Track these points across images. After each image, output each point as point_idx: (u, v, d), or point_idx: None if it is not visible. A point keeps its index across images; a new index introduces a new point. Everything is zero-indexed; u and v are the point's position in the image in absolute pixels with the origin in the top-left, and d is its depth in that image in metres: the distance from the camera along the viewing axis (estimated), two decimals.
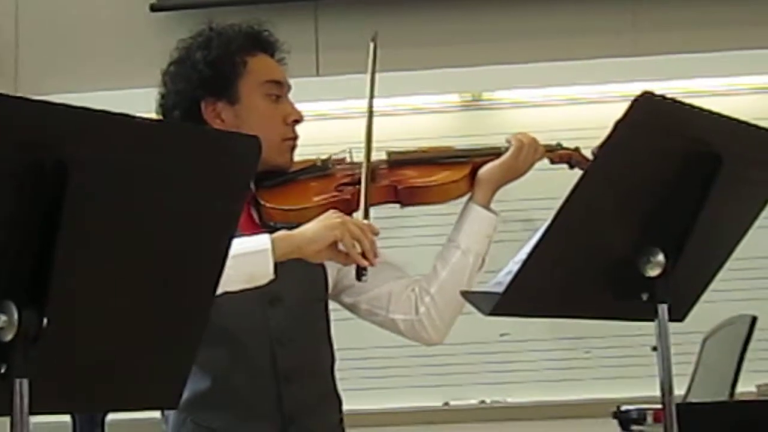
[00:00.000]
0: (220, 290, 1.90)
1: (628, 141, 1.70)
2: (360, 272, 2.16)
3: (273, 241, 2.09)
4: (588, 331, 4.24)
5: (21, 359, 1.38)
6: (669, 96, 1.72)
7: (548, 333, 4.40)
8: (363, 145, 2.34)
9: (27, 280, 1.38)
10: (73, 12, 4.77)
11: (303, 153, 2.38)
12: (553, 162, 2.46)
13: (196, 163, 1.49)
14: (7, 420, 1.40)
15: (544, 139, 2.43)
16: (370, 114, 2.34)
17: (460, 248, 2.34)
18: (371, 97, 2.36)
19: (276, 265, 2.18)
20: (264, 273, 2.08)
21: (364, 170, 2.26)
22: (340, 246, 2.12)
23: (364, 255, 2.12)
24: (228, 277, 1.91)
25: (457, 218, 2.38)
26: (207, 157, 1.50)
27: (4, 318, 1.37)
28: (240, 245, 2.00)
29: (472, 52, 4.62)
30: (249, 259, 2.05)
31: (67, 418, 4.07)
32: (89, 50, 4.69)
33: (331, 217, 2.15)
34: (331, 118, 4.39)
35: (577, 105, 4.57)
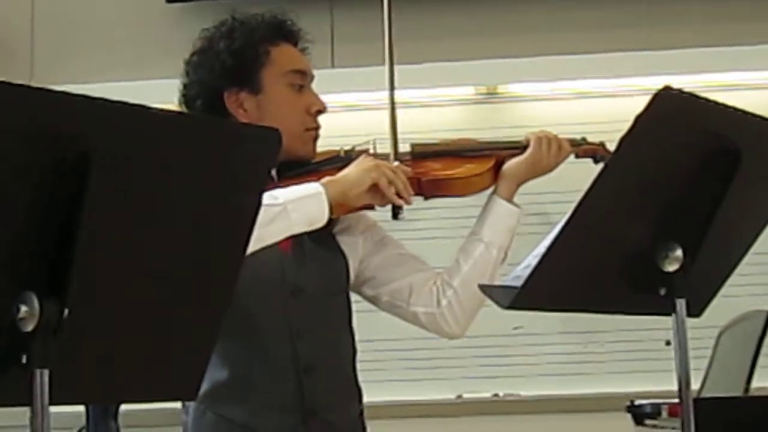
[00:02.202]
0: (285, 234, 2.06)
1: (648, 135, 1.70)
2: (396, 211, 2.26)
3: (324, 186, 2.16)
4: (601, 324, 4.23)
5: (41, 350, 1.38)
6: (686, 90, 1.71)
7: (562, 327, 4.40)
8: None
9: (48, 271, 1.38)
10: (88, 3, 4.77)
11: (319, 144, 2.38)
12: (578, 156, 2.45)
13: (216, 155, 1.49)
14: (27, 410, 1.40)
15: (558, 133, 2.43)
16: (391, 73, 2.43)
17: (484, 241, 2.33)
18: (391, 68, 2.43)
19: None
20: (320, 216, 2.14)
21: (390, 116, 2.37)
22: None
23: (399, 195, 2.22)
24: (292, 221, 2.06)
25: (480, 212, 2.38)
26: (227, 149, 1.50)
27: (25, 309, 1.38)
28: (293, 192, 2.10)
29: (487, 45, 4.62)
30: (307, 201, 2.12)
31: (81, 407, 4.08)
32: (105, 41, 4.70)
33: (366, 161, 2.23)
34: (346, 110, 4.39)
35: (591, 99, 4.57)
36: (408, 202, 2.24)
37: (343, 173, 2.21)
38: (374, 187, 2.20)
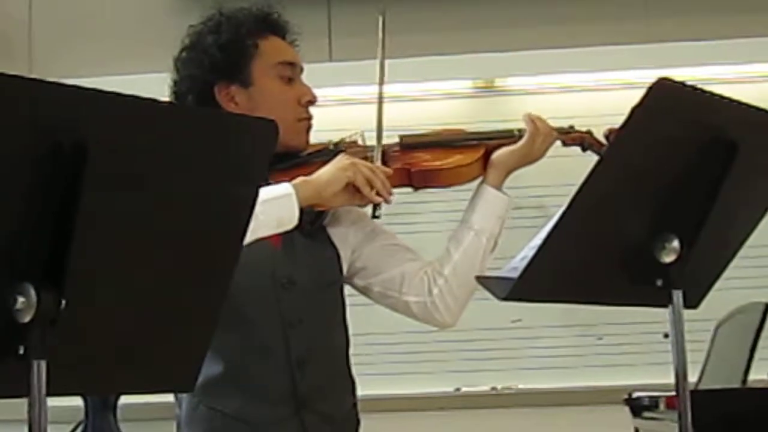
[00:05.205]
0: (251, 237, 1.98)
1: (644, 126, 1.70)
2: (374, 209, 2.25)
3: (295, 187, 2.14)
4: (599, 317, 4.24)
5: (39, 341, 1.38)
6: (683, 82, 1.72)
7: (560, 320, 4.40)
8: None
9: (45, 262, 1.38)
10: None
11: (316, 138, 2.39)
12: (565, 144, 2.47)
13: (213, 147, 1.49)
14: (24, 401, 1.40)
15: (556, 125, 2.43)
16: (382, 76, 2.41)
17: (474, 229, 2.34)
18: (382, 68, 2.41)
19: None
20: (290, 217, 2.13)
21: (377, 119, 2.34)
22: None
23: (378, 194, 2.20)
24: (259, 223, 1.98)
25: (469, 200, 2.38)
26: (224, 141, 1.50)
27: (22, 300, 1.38)
28: (263, 193, 2.05)
29: (484, 38, 4.62)
30: (276, 203, 2.11)
31: (79, 401, 4.09)
32: (104, 33, 4.69)
33: (342, 160, 2.22)
34: (344, 104, 4.39)
35: (589, 92, 4.57)
36: (387, 201, 2.23)
37: (317, 173, 2.20)
38: (351, 187, 2.19)
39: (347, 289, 2.38)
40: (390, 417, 4.20)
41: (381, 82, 2.42)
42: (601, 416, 4.04)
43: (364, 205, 2.27)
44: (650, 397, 3.23)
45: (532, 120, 2.37)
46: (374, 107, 2.40)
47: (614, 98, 4.41)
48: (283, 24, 2.39)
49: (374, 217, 2.27)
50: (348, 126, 2.49)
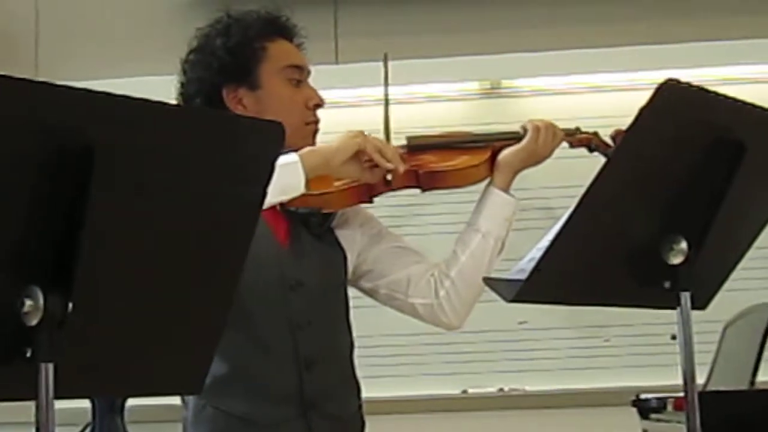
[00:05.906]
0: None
1: (651, 128, 1.70)
2: (386, 176, 2.22)
3: (301, 156, 2.13)
4: (607, 319, 4.24)
5: (46, 343, 1.39)
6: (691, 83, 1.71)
7: (567, 321, 4.40)
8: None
9: (52, 265, 1.39)
10: None
11: (322, 140, 2.39)
12: (572, 146, 2.47)
13: (221, 149, 1.49)
14: (32, 404, 1.40)
15: (562, 126, 2.43)
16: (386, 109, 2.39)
17: (480, 232, 2.34)
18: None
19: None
20: (296, 185, 2.11)
21: (384, 121, 2.36)
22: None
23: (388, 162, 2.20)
24: None
25: (476, 203, 2.38)
26: (233, 143, 1.50)
27: (29, 302, 1.38)
28: None
29: (491, 39, 4.63)
30: (281, 171, 2.06)
31: (87, 403, 4.09)
32: (110, 36, 4.70)
33: (352, 132, 2.22)
34: (349, 106, 4.40)
35: (596, 93, 4.57)
36: (398, 169, 2.21)
37: (328, 143, 2.21)
38: (360, 157, 2.19)
39: (353, 291, 2.38)
40: (396, 419, 4.21)
41: (386, 83, 2.42)
42: (608, 418, 4.04)
43: (373, 180, 2.24)
44: (658, 399, 3.23)
45: (530, 120, 2.38)
46: (381, 109, 2.41)
47: (620, 99, 4.40)
48: (291, 27, 2.39)
49: (387, 183, 2.24)
50: (354, 128, 2.49)
